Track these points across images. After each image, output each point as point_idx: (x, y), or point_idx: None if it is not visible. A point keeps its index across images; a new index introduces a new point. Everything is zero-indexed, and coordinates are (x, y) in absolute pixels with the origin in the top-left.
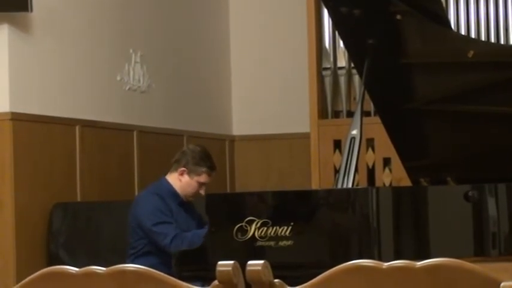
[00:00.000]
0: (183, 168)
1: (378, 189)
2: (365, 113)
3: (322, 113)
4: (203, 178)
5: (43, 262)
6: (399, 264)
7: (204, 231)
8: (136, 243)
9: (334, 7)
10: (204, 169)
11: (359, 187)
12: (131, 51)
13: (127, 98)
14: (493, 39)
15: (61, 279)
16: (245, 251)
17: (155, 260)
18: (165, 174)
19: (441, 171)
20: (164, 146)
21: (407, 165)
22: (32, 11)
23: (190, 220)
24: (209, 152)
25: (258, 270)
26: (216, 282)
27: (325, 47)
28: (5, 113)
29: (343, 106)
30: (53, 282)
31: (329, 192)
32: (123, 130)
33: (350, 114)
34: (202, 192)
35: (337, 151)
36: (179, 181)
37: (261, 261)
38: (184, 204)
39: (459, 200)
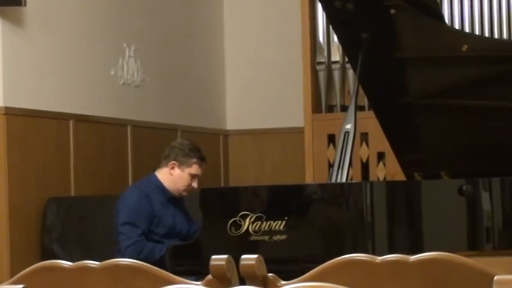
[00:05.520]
0: (174, 162)
1: (372, 183)
2: (359, 108)
3: (316, 108)
4: (194, 169)
5: (37, 257)
6: (393, 258)
7: (163, 246)
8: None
9: (328, 1)
10: (194, 160)
11: (353, 181)
12: (125, 45)
13: (121, 93)
14: (487, 34)
15: (55, 273)
16: (239, 246)
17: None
18: (155, 169)
19: (435, 165)
20: (158, 141)
21: (401, 159)
22: (25, 5)
23: (178, 216)
24: (197, 145)
25: (252, 265)
26: (209, 276)
27: (319, 41)
28: None
29: (337, 100)
30: (46, 276)
31: (323, 186)
32: (117, 125)
33: (344, 108)
34: (195, 184)
35: (331, 145)
36: (170, 175)
37: (255, 256)
38: (173, 199)
39: (453, 194)
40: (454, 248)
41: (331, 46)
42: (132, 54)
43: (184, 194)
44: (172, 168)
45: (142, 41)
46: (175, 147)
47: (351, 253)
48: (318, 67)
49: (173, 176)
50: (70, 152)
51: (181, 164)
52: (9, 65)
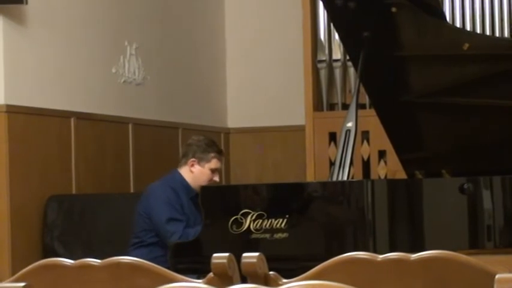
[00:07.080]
0: (193, 159)
1: (373, 181)
2: (360, 106)
3: (317, 106)
4: (214, 164)
5: (38, 254)
6: (394, 257)
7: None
8: (142, 233)
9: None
10: (212, 154)
11: (354, 180)
12: (126, 43)
13: (122, 91)
14: (488, 32)
15: (56, 271)
16: (240, 244)
17: (159, 253)
18: (176, 166)
19: (436, 163)
20: (159, 139)
21: (402, 157)
22: (27, 3)
23: (197, 215)
24: (213, 139)
25: (253, 263)
26: (211, 274)
27: (321, 39)
28: (0, 106)
29: (338, 98)
30: (48, 274)
31: (324, 184)
32: (118, 122)
33: (345, 106)
34: (216, 178)
35: (332, 144)
36: (191, 173)
37: (256, 254)
38: (194, 200)
39: (454, 193)
40: (455, 246)
41: (333, 44)
42: (133, 52)
43: None
44: (192, 165)
45: (144, 39)
46: (193, 145)
47: (352, 251)
48: (319, 65)
49: (194, 173)
50: (71, 150)
51: (200, 160)
52: (11, 63)
